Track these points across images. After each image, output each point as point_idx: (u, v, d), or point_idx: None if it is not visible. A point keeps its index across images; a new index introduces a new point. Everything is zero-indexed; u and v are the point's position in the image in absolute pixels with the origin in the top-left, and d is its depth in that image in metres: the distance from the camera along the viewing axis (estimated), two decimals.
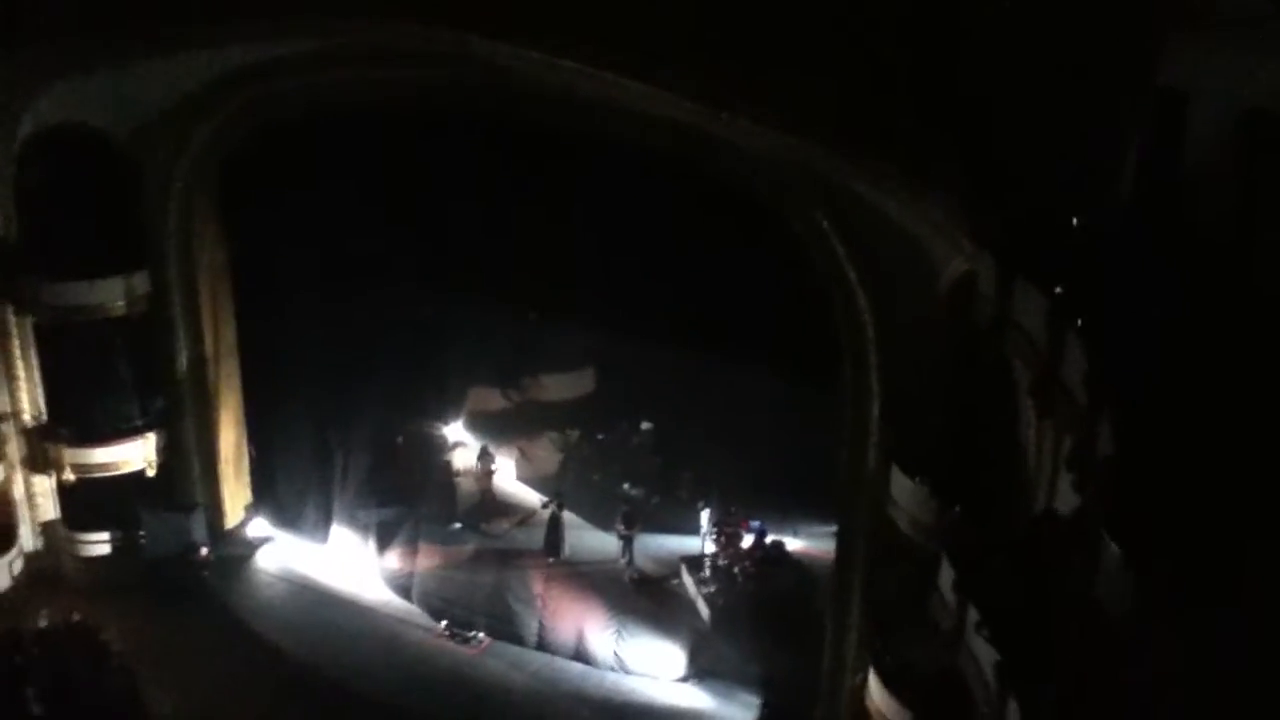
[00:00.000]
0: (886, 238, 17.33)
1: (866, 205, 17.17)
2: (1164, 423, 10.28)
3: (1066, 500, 13.49)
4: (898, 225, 17.03)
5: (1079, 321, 12.08)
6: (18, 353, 23.06)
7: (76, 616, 21.96)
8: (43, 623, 21.62)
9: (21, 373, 23.23)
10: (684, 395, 26.33)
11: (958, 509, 16.36)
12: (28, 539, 24.22)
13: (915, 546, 17.27)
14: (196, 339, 24.22)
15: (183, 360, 24.19)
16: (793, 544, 24.21)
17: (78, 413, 23.81)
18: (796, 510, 24.32)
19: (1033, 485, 15.46)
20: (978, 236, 15.18)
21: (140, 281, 23.08)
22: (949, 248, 16.50)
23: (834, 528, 21.13)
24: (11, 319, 22.78)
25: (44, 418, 23.66)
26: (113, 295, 22.83)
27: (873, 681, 17.85)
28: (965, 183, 15.33)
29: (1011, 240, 14.05)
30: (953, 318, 16.80)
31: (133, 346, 24.07)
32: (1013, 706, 12.86)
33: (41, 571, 24.13)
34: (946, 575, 15.59)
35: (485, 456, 26.83)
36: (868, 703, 17.98)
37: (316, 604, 24.36)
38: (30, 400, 23.51)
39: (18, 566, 23.53)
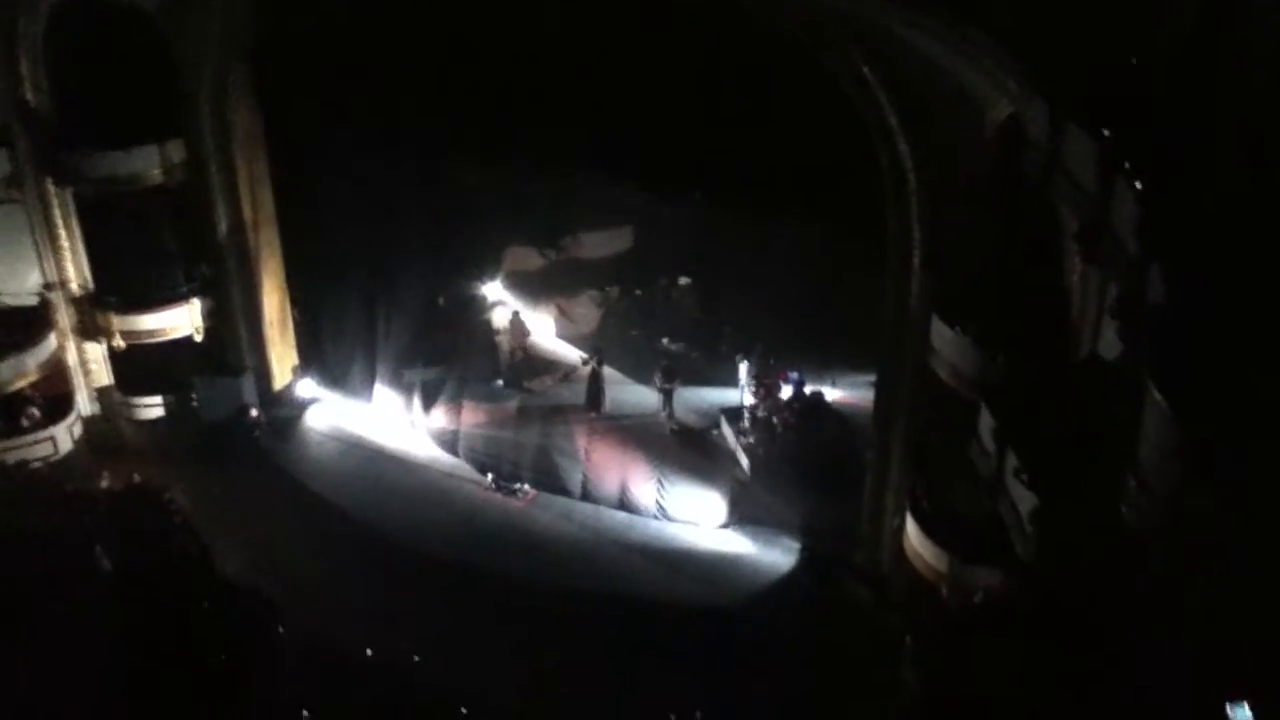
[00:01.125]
0: (929, 82, 16.79)
1: (908, 48, 16.59)
2: (1214, 273, 10.11)
3: (1110, 348, 13.44)
4: (941, 69, 16.47)
5: (1128, 166, 11.77)
6: (60, 223, 23.35)
7: (137, 478, 22.76)
8: (105, 484, 22.43)
9: (66, 243, 23.56)
10: (722, 249, 26.19)
11: (999, 357, 16.33)
12: (84, 404, 24.98)
13: (956, 394, 17.36)
14: (235, 206, 24.25)
15: (223, 227, 24.31)
16: (831, 394, 24.37)
17: (124, 281, 24.18)
18: (835, 361, 24.40)
19: (1076, 333, 15.38)
20: (1025, 79, 14.68)
21: (176, 150, 23.04)
22: (994, 91, 16.00)
23: (873, 378, 21.25)
24: (51, 190, 22.97)
25: (90, 287, 24.07)
26: (149, 164, 22.86)
27: (911, 526, 18.23)
28: (1011, 23, 14.74)
29: (1061, 83, 13.58)
30: (998, 164, 16.43)
31: (174, 215, 24.21)
32: (1049, 551, 13.14)
33: (101, 436, 24.94)
34: (986, 422, 15.73)
35: (517, 322, 26.98)
36: (906, 547, 18.42)
37: (366, 461, 25.03)
38: (76, 270, 23.88)
39: (77, 430, 24.31)
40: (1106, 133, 12.38)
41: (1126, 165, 11.88)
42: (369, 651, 19.15)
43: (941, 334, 17.47)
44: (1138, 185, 11.44)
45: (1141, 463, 10.00)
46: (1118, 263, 12.05)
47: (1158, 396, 9.40)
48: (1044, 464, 13.98)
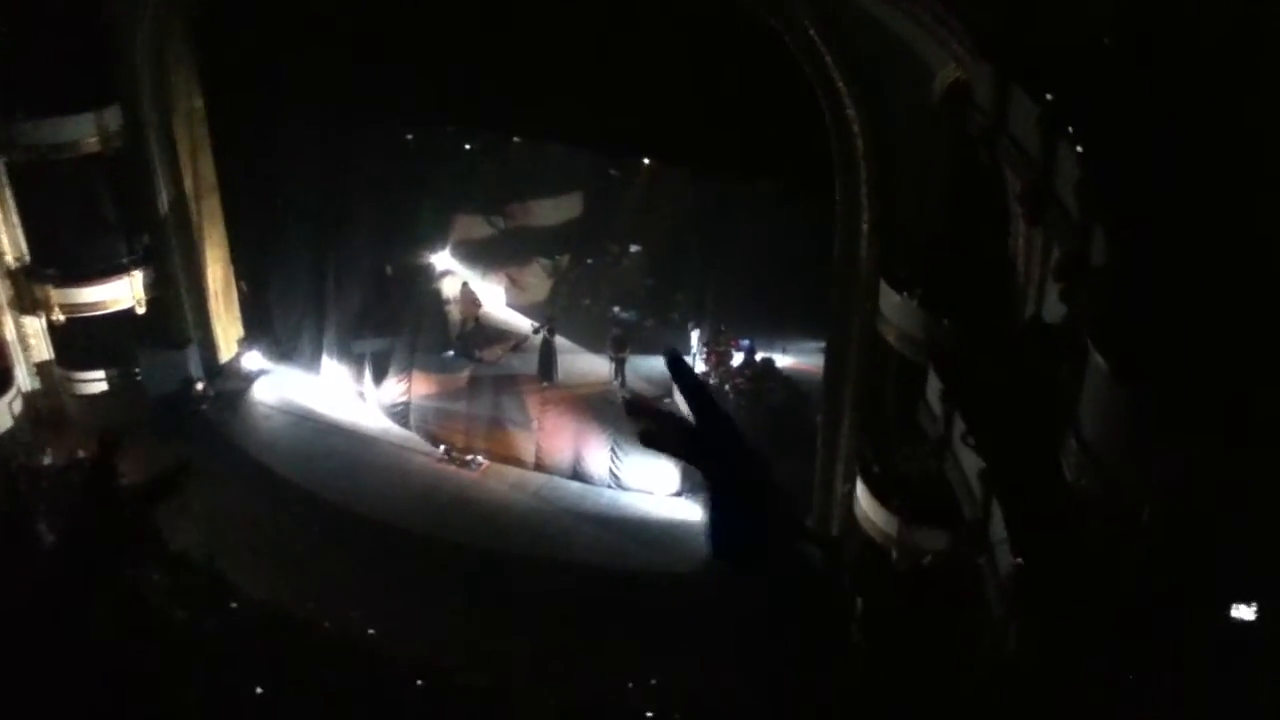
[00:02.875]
0: (876, 44, 16.77)
1: (856, 11, 16.55)
2: (1156, 233, 10.20)
3: (1054, 310, 13.58)
4: (889, 32, 16.46)
5: (1071, 129, 11.83)
6: None
7: (81, 454, 22.36)
8: (47, 460, 22.02)
9: (0, 214, 22.92)
10: (673, 217, 26.10)
11: (946, 321, 16.46)
12: (24, 379, 24.43)
13: (904, 358, 17.50)
14: (176, 174, 23.78)
15: (164, 196, 23.82)
16: (782, 361, 24.47)
17: (62, 252, 23.62)
18: (786, 328, 24.47)
19: (1021, 296, 15.52)
20: (971, 42, 14.69)
21: (112, 117, 22.46)
22: (941, 54, 16.00)
23: (823, 344, 21.34)
24: None
25: (27, 259, 23.47)
26: (85, 131, 22.25)
27: (861, 490, 18.40)
28: None
29: (1006, 45, 13.60)
30: (944, 127, 16.47)
31: (113, 184, 23.67)
32: (997, 512, 13.30)
33: (43, 412, 24.44)
34: (934, 386, 15.86)
35: (466, 291, 26.76)
36: (857, 510, 18.60)
37: (317, 434, 24.79)
38: (11, 241, 23.27)
39: (17, 406, 23.77)
40: (1049, 96, 12.42)
41: (1069, 128, 11.94)
42: (325, 624, 19.09)
43: (890, 298, 17.57)
44: (1079, 148, 11.51)
45: (1082, 424, 10.13)
46: (1060, 225, 12.14)
47: (1097, 356, 9.50)
48: (990, 427, 14.15)
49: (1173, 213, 10.54)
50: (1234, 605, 10.06)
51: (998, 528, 13.25)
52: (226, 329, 26.01)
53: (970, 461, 14.39)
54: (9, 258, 23.31)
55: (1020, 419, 13.48)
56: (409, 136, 24.99)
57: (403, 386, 25.29)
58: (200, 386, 24.87)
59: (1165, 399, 9.05)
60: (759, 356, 24.25)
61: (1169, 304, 9.72)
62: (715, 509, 2.66)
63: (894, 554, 17.94)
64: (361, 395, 25.72)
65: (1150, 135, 11.08)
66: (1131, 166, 11.02)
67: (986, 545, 13.69)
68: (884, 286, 17.69)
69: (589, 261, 28.19)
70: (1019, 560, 12.40)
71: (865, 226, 18.46)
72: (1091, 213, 10.87)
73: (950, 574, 15.69)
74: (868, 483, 18.18)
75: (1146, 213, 10.67)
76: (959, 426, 14.78)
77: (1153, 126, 11.18)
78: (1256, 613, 9.96)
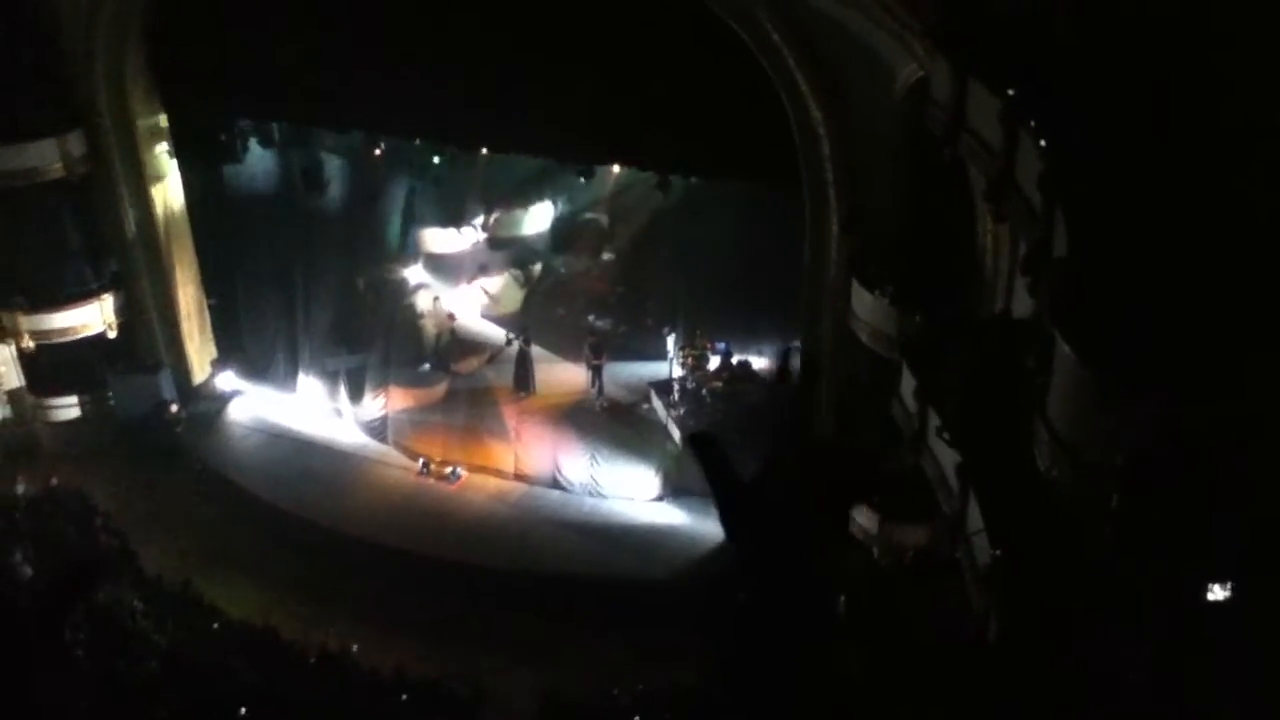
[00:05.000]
0: (837, 45, 16.91)
1: (814, 11, 16.68)
2: (1119, 223, 10.32)
3: (1023, 304, 13.70)
4: (848, 31, 16.60)
5: (1032, 123, 11.95)
6: None
7: (55, 481, 22.19)
8: (20, 489, 21.84)
9: None
10: (645, 222, 26.15)
11: (917, 318, 16.58)
12: None
13: (878, 356, 17.61)
14: (142, 198, 23.64)
15: (130, 221, 23.69)
16: (759, 363, 24.54)
17: (30, 279, 23.46)
18: (761, 329, 24.53)
19: (991, 291, 15.66)
20: (928, 38, 14.82)
21: (75, 143, 22.36)
22: (902, 52, 16.14)
23: (798, 344, 21.42)
24: None
25: None
26: (47, 158, 22.17)
27: None
28: None
29: (963, 42, 13.73)
30: (909, 125, 16.60)
31: (79, 209, 23.57)
32: (974, 505, 13.40)
33: (16, 440, 24.24)
34: (908, 383, 15.97)
35: (439, 304, 26.71)
36: None
37: (293, 452, 24.64)
38: None
39: None
40: (1009, 90, 12.54)
41: (1030, 121, 12.06)
42: (306, 641, 19.01)
43: (861, 297, 17.68)
44: (1041, 141, 11.63)
45: (1051, 413, 10.22)
46: (1024, 218, 12.26)
47: (1063, 344, 9.60)
48: (964, 421, 14.25)
49: (1135, 199, 10.67)
50: (1209, 587, 10.16)
51: (975, 520, 13.35)
52: (199, 350, 25.86)
53: (946, 456, 14.48)
54: None
55: (993, 412, 13.58)
56: (377, 151, 24.91)
57: (379, 402, 25.20)
58: (174, 409, 24.69)
59: (1130, 381, 9.16)
60: (735, 359, 24.30)
61: (1133, 291, 9.84)
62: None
63: (875, 552, 18.03)
64: (338, 412, 25.60)
65: (1110, 123, 11.21)
66: (1092, 155, 11.13)
67: (964, 538, 13.78)
68: (855, 285, 17.80)
69: (561, 270, 28.19)
70: (997, 552, 12.49)
71: (834, 227, 18.58)
72: (1052, 205, 10.98)
73: (932, 569, 15.79)
74: None
75: (1108, 200, 10.78)
76: (933, 421, 14.88)
77: (1112, 114, 11.31)
78: (1231, 593, 10.07)
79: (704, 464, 3.00)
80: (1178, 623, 10.16)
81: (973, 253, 16.18)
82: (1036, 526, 11.78)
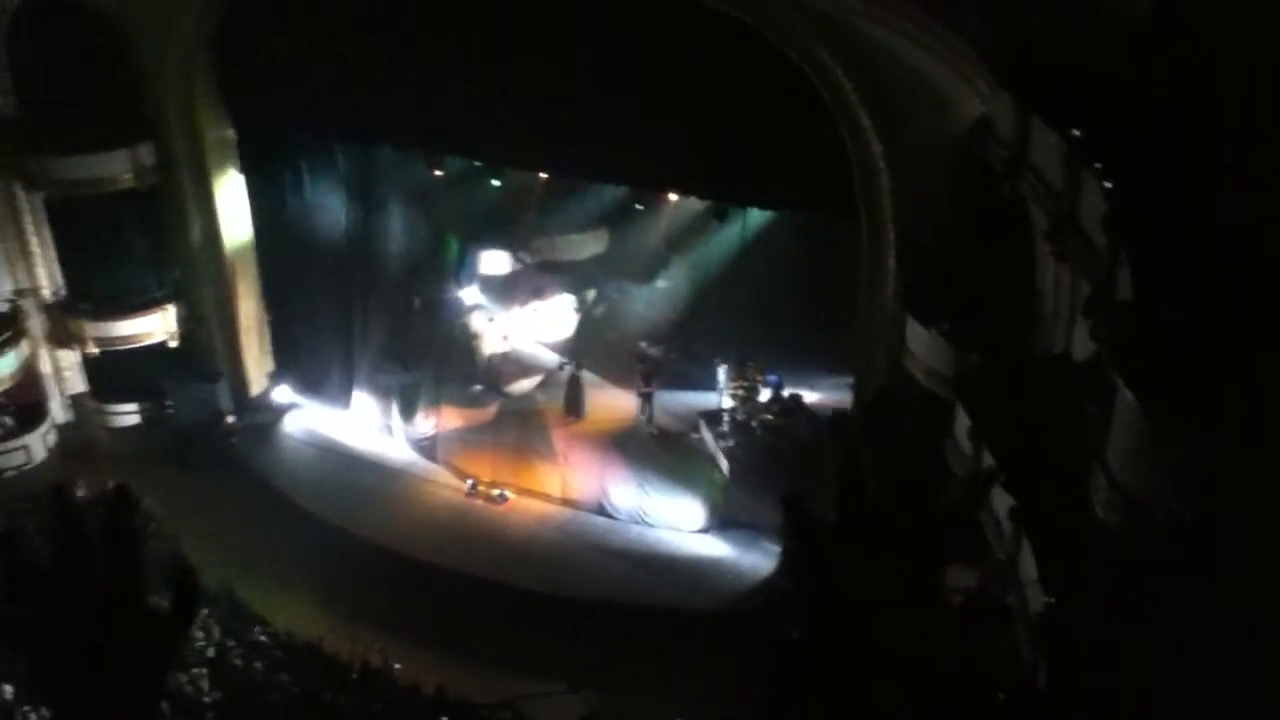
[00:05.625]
0: (899, 80, 16.79)
1: (878, 46, 16.59)
2: (1185, 268, 10.10)
3: (1083, 346, 13.44)
4: (911, 66, 16.48)
5: (1097, 164, 11.76)
6: (31, 229, 23.15)
7: (112, 485, 22.54)
8: (79, 492, 22.21)
9: (36, 249, 23.36)
10: (699, 251, 26.11)
11: (973, 356, 16.33)
12: (58, 412, 24.75)
13: (931, 394, 17.34)
14: (209, 211, 24.10)
15: (196, 232, 24.16)
16: (809, 397, 24.34)
17: (97, 287, 24.02)
18: (813, 364, 24.33)
19: (1049, 331, 15.39)
20: (992, 75, 14.69)
21: (146, 153, 22.86)
22: (964, 89, 16.00)
23: (850, 379, 21.22)
24: (21, 195, 22.77)
25: (63, 293, 23.85)
26: (119, 167, 22.68)
27: None
28: (980, 20, 14.74)
29: (1028, 80, 13.58)
30: (969, 162, 16.43)
31: (147, 219, 24.07)
32: (1026, 551, 13.12)
33: (76, 444, 24.71)
34: (962, 423, 15.72)
35: (493, 326, 26.87)
36: None
37: (344, 467, 24.88)
38: (48, 276, 23.69)
39: (51, 439, 24.08)
40: (1075, 131, 12.37)
41: (1095, 163, 11.88)
42: (350, 656, 19.09)
43: (916, 333, 17.47)
44: (1105, 182, 11.44)
45: (1111, 460, 9.99)
46: (1087, 259, 12.05)
47: (1125, 391, 9.39)
48: (1019, 464, 13.98)
49: (1201, 243, 10.44)
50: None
51: (1028, 568, 13.06)
52: (257, 362, 26.22)
53: (999, 498, 14.21)
54: (45, 292, 23.71)
55: (1049, 456, 13.32)
56: (438, 172, 25.20)
57: (430, 420, 25.37)
58: (230, 419, 25.05)
59: (1194, 433, 8.93)
60: (786, 392, 24.12)
61: (1198, 338, 9.60)
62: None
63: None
64: (389, 429, 25.81)
65: (1176, 165, 11.00)
66: (1157, 197, 10.93)
67: (1016, 584, 13.49)
68: (910, 321, 17.60)
69: (615, 296, 28.24)
70: (1050, 600, 12.21)
71: (891, 262, 18.42)
72: (1116, 247, 10.77)
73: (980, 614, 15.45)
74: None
75: (1174, 244, 10.57)
76: (988, 463, 14.63)
77: (1178, 156, 11.10)
78: None
79: (791, 525, 2.92)
80: (1245, 684, 9.84)
81: (1032, 292, 15.93)
82: (1092, 575, 11.50)
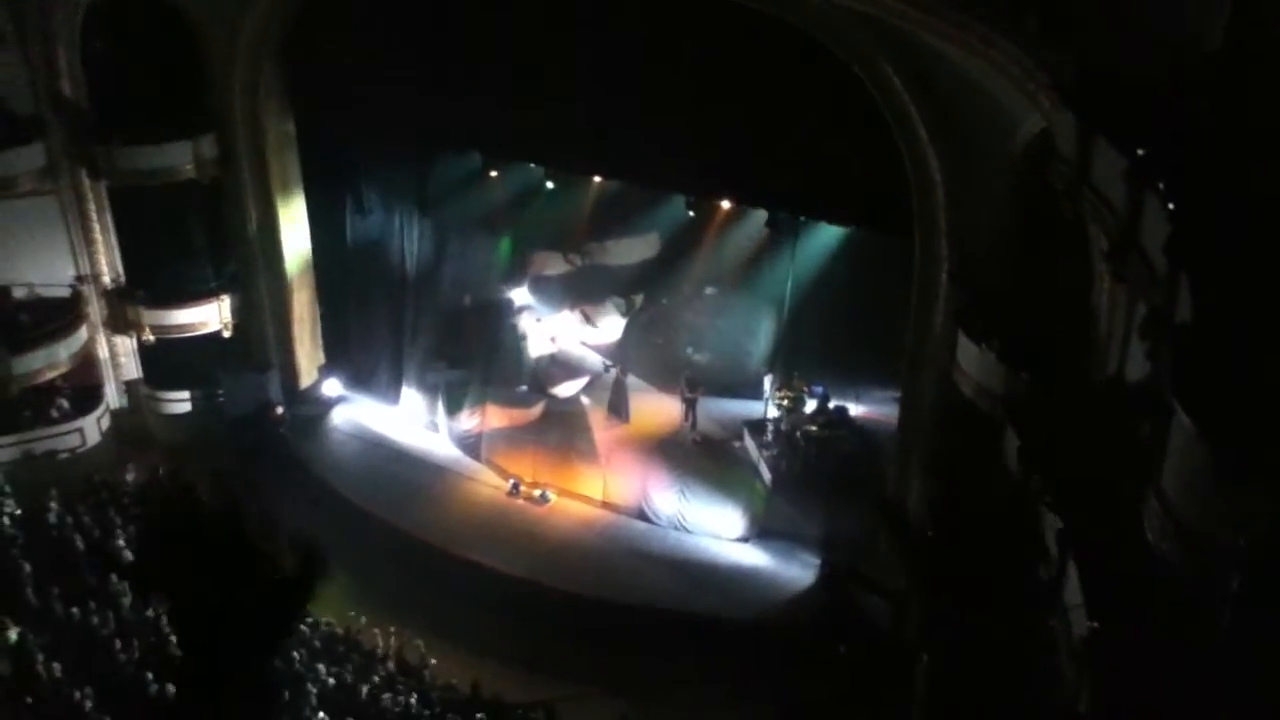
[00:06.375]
0: (959, 93, 16.66)
1: (938, 58, 16.47)
2: (1245, 292, 9.92)
3: (1138, 369, 13.23)
4: (971, 80, 16.34)
5: (1160, 185, 11.58)
6: (94, 216, 23.70)
7: (162, 470, 22.95)
8: (130, 476, 22.64)
9: (99, 236, 23.89)
10: (747, 259, 26.05)
11: (1025, 375, 16.14)
12: (113, 397, 25.24)
13: (980, 411, 17.16)
14: (266, 203, 24.49)
15: (253, 225, 24.55)
16: (855, 409, 24.20)
17: (154, 275, 24.48)
18: (860, 375, 24.20)
19: (1103, 352, 15.16)
20: (1056, 93, 14.51)
21: (208, 146, 23.30)
22: (1025, 105, 15.81)
23: (897, 393, 21.06)
24: (86, 183, 23.28)
25: (122, 280, 24.32)
26: (181, 159, 23.16)
27: None
28: (1043, 35, 14.58)
29: (1092, 98, 13.40)
30: (1027, 178, 16.26)
31: (205, 211, 24.52)
32: (1073, 573, 12.93)
33: (129, 428, 25.19)
34: (1011, 442, 15.53)
35: (542, 327, 26.99)
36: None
37: (389, 461, 25.11)
38: (108, 263, 24.21)
39: (105, 423, 24.58)
40: (1139, 150, 12.19)
41: (1159, 183, 11.69)
42: (383, 651, 19.24)
43: (967, 349, 17.29)
44: (1169, 204, 11.26)
45: (1166, 485, 9.82)
46: (1146, 281, 11.86)
47: (1183, 416, 9.23)
48: (1069, 485, 13.79)
49: (1265, 268, 10.25)
50: None
51: (1073, 590, 12.88)
52: (309, 355, 26.57)
53: (1047, 520, 14.03)
54: (105, 279, 24.20)
55: (1100, 478, 13.12)
56: (493, 173, 25.40)
57: (475, 418, 25.53)
58: (279, 410, 25.38)
59: (1254, 461, 8.76)
60: (832, 404, 24.00)
61: (1258, 363, 9.43)
62: None
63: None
64: (434, 425, 26.01)
65: (1239, 188, 10.82)
66: (1220, 221, 10.75)
67: (1061, 608, 13.30)
68: (961, 338, 17.43)
69: (663, 301, 28.26)
70: (1094, 625, 12.02)
71: (944, 276, 18.26)
72: (1177, 270, 10.60)
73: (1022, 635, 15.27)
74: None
75: (1236, 268, 10.38)
76: (1036, 483, 14.44)
77: (1241, 179, 10.91)
78: None
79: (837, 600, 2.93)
80: None
81: (1086, 312, 15.71)
82: (1140, 602, 11.31)
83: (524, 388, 26.30)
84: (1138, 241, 12.18)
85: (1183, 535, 9.58)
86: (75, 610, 16.92)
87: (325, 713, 16.31)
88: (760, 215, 23.70)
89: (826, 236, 23.29)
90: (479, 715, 17.58)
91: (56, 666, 15.43)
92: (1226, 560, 9.08)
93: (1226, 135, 11.31)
